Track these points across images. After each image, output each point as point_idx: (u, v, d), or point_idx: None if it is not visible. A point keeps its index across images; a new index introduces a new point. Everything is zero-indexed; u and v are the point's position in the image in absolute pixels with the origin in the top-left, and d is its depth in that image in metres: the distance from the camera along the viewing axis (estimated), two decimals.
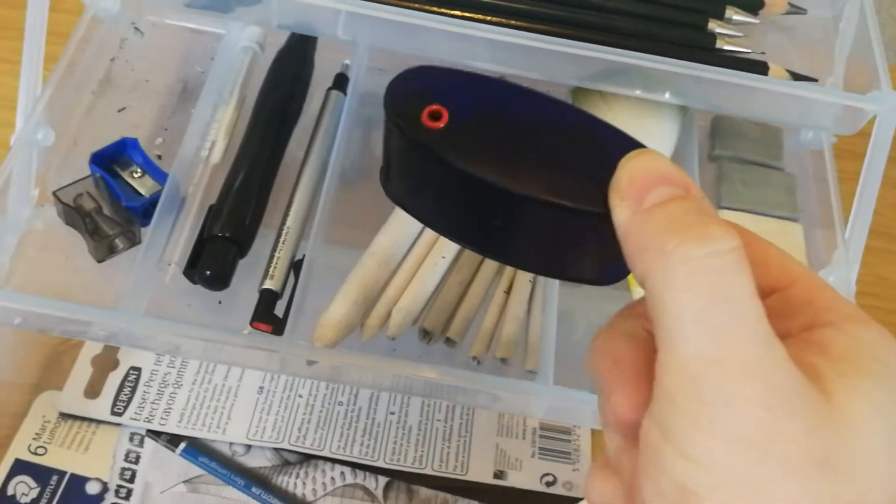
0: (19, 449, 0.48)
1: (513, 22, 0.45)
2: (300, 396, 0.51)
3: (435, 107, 0.24)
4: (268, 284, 0.45)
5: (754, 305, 0.19)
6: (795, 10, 0.51)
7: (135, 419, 0.49)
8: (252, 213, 0.47)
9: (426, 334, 0.46)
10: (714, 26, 0.48)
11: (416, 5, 0.44)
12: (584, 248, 0.25)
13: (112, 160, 0.49)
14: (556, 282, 0.47)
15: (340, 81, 0.54)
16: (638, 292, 0.48)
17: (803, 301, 0.23)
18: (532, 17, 0.46)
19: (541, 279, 0.49)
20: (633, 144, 0.23)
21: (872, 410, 0.20)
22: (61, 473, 0.47)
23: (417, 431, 0.51)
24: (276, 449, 0.49)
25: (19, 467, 0.47)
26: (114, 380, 0.50)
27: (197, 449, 0.49)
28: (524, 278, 0.48)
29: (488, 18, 0.44)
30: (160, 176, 0.49)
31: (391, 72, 0.25)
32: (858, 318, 0.22)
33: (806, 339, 0.22)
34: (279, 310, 0.45)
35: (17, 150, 0.46)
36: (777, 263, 0.24)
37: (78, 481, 0.47)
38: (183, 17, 0.58)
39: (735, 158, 0.55)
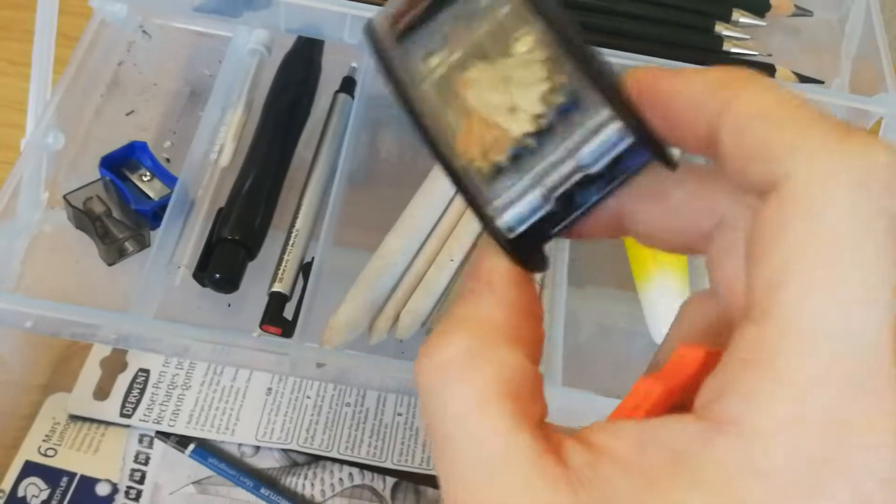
0: (29, 451, 0.48)
1: None
2: (308, 398, 0.51)
3: None
4: (277, 287, 0.45)
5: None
6: (802, 12, 0.51)
7: (144, 421, 0.49)
8: (261, 216, 0.47)
9: None
10: (721, 29, 0.48)
11: None
12: None
13: (121, 163, 0.50)
14: (564, 283, 0.47)
15: (348, 84, 0.54)
16: (644, 294, 0.48)
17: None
18: None
19: (548, 281, 0.49)
20: None
21: None
22: (71, 475, 0.47)
23: (425, 433, 0.51)
24: (284, 450, 0.50)
25: (29, 469, 0.47)
26: (122, 381, 0.51)
27: (206, 450, 0.49)
28: None
29: None
30: (169, 179, 0.49)
31: None
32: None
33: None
34: (288, 312, 0.45)
35: (27, 154, 0.46)
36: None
37: (88, 483, 0.47)
38: (190, 21, 0.58)
39: None
